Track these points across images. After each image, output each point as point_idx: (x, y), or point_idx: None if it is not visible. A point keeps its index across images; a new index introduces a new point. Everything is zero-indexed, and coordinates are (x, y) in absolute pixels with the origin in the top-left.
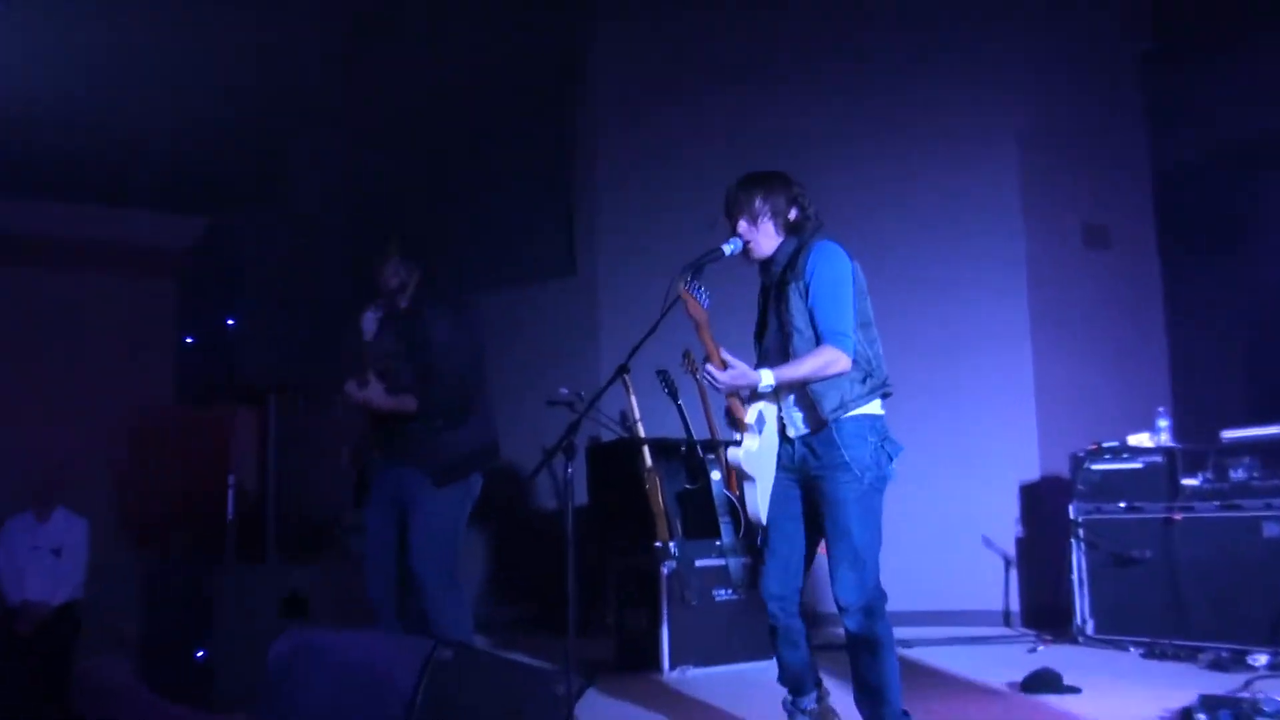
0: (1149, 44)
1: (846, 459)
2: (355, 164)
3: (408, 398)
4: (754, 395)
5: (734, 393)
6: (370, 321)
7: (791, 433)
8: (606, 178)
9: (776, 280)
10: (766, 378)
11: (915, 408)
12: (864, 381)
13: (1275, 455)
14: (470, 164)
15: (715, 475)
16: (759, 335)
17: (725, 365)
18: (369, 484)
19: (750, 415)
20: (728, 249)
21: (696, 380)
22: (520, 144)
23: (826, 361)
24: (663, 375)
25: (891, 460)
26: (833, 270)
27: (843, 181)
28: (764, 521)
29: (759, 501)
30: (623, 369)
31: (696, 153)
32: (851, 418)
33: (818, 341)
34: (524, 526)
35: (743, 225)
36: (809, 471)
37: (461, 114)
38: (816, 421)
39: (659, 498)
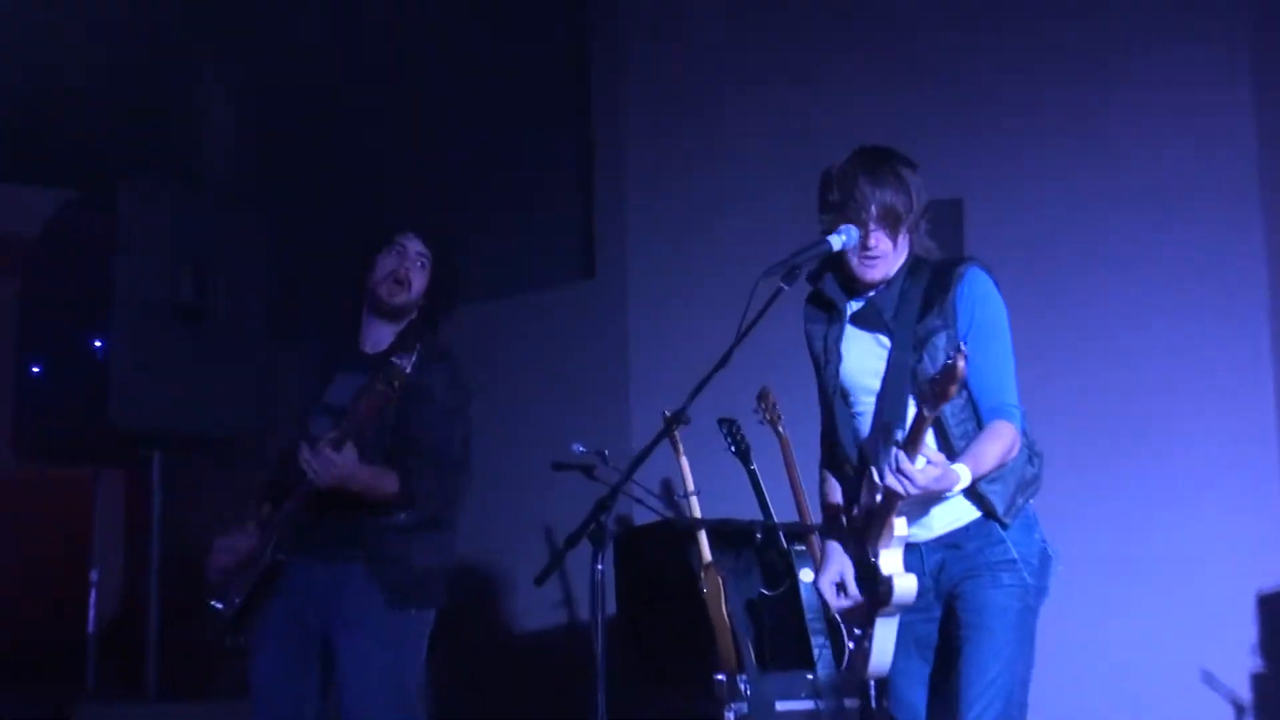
0: None
1: (1014, 555)
2: (301, 120)
3: (388, 474)
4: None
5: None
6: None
7: (922, 534)
8: (638, 165)
9: (884, 315)
10: (965, 475)
11: (1088, 485)
12: (1031, 462)
13: None
14: (465, 144)
15: (805, 575)
16: (833, 396)
17: (915, 455)
18: (272, 592)
19: (901, 527)
20: (838, 242)
21: (777, 433)
22: (527, 124)
23: (1009, 444)
24: (729, 427)
25: (1052, 567)
26: (997, 314)
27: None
28: (886, 672)
29: (888, 646)
30: (677, 418)
31: (747, 143)
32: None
33: (977, 417)
34: (518, 660)
35: (876, 231)
36: (947, 581)
37: (458, 86)
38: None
39: (722, 608)
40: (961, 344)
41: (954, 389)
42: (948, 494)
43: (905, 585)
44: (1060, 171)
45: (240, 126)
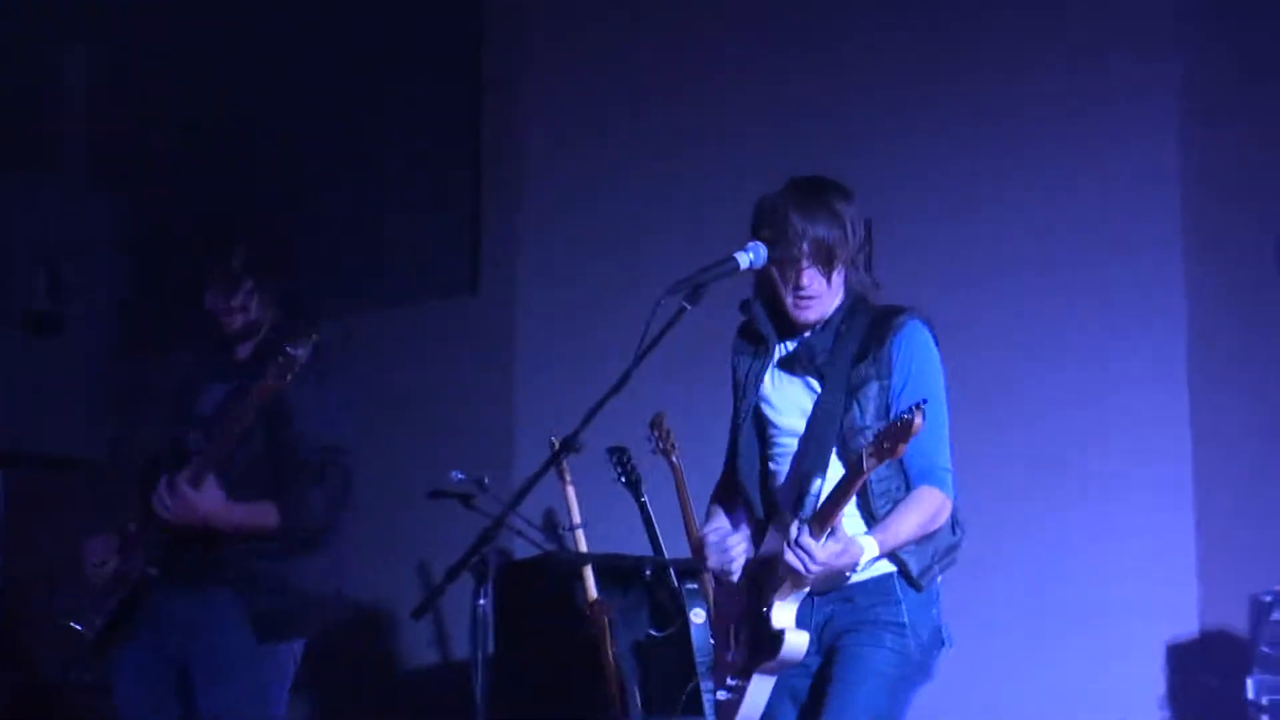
0: None
1: (904, 619)
2: (164, 101)
3: (263, 509)
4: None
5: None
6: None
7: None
8: (531, 174)
9: (818, 360)
10: (871, 549)
11: (995, 535)
12: (953, 530)
13: None
14: (346, 140)
15: (697, 615)
16: (741, 430)
17: (823, 532)
18: (131, 623)
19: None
20: (744, 260)
21: (671, 463)
22: (407, 117)
23: (932, 513)
24: (619, 455)
25: (943, 649)
26: (934, 371)
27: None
28: None
29: (761, 702)
30: (567, 445)
31: (644, 159)
32: None
33: (904, 478)
34: (390, 700)
35: (809, 269)
36: (831, 635)
37: (343, 84)
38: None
39: (608, 649)
40: (921, 402)
41: (903, 447)
42: (855, 571)
43: (796, 642)
44: (970, 194)
45: (99, 114)
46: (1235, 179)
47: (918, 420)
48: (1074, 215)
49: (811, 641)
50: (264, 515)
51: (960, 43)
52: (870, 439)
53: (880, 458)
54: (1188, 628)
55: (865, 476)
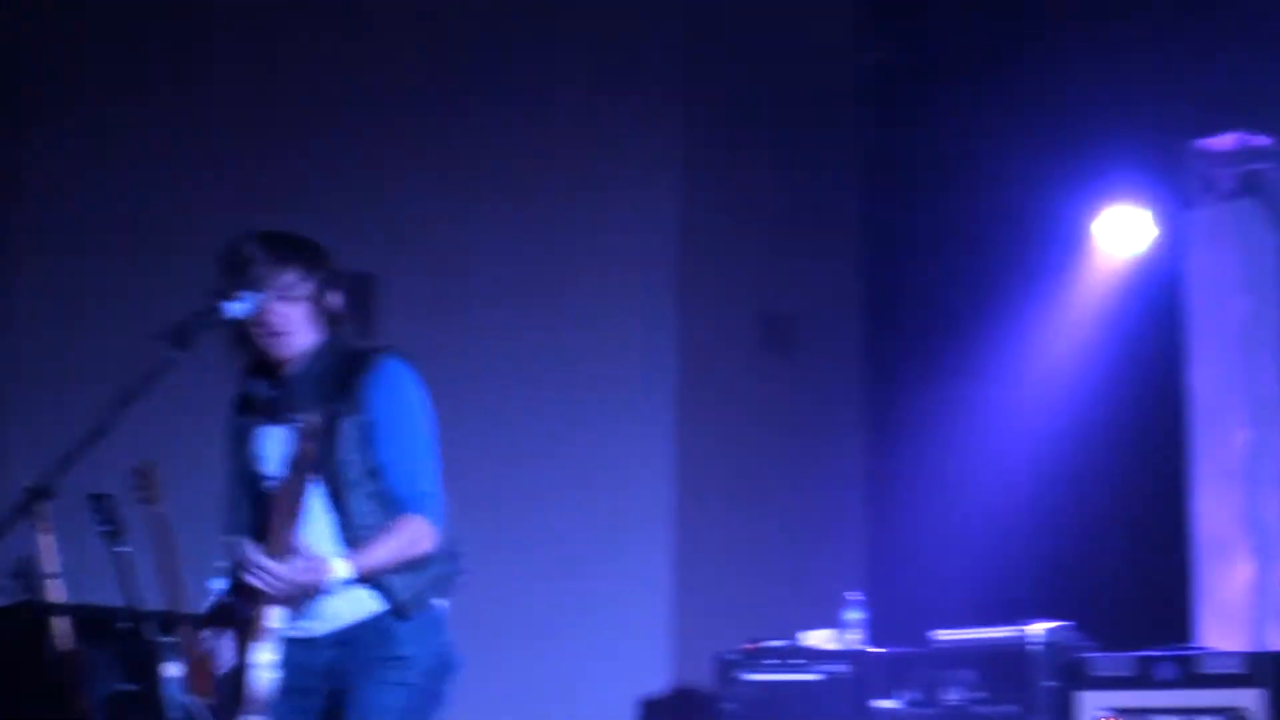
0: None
1: (403, 652)
2: None
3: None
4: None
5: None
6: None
7: (319, 627)
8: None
9: (295, 404)
10: (341, 568)
11: (473, 594)
12: (450, 559)
13: (1006, 667)
14: None
15: (171, 669)
16: (238, 492)
17: (282, 553)
18: None
19: (275, 620)
20: (239, 309)
21: (155, 513)
22: None
23: (412, 539)
24: (100, 503)
25: (451, 673)
26: (410, 404)
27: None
28: None
29: None
30: (38, 492)
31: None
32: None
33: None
34: None
35: (273, 305)
36: (337, 680)
37: None
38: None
39: (80, 701)
40: (318, 417)
41: (310, 450)
42: (328, 588)
43: (265, 682)
44: (468, 242)
45: None
46: (726, 251)
47: (308, 446)
48: (574, 287)
49: (315, 689)
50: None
51: (461, 87)
52: (353, 471)
53: (301, 481)
54: (659, 685)
55: (300, 498)
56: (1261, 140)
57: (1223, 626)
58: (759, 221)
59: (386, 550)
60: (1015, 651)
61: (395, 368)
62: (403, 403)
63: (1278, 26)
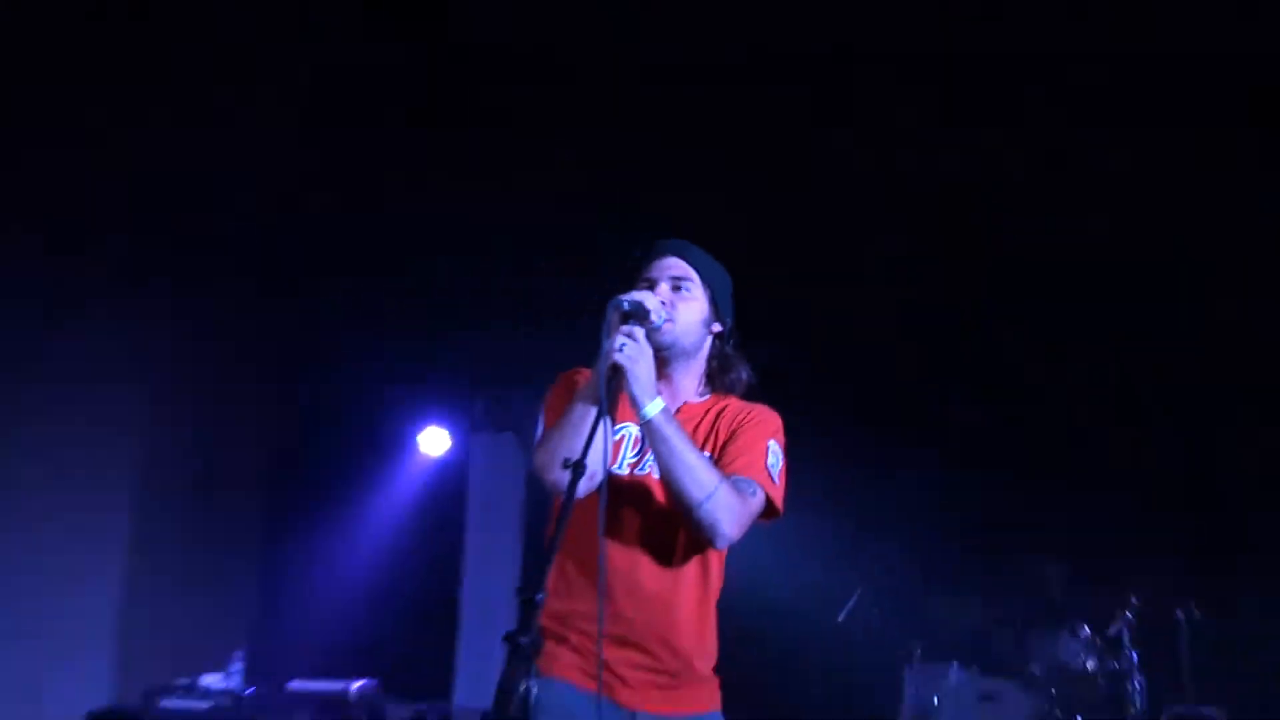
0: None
1: None
2: None
3: None
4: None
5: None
6: None
7: None
8: None
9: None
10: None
11: None
12: None
13: (332, 709)
14: None
15: None
16: None
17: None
18: None
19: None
20: (656, 317)
21: None
22: None
23: None
24: None
25: None
26: None
27: None
28: None
29: None
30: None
31: None
32: None
33: None
34: None
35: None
36: None
37: None
38: None
39: None
40: None
41: None
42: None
43: None
44: None
45: None
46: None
47: None
48: None
49: None
50: None
51: None
52: None
53: None
54: (102, 701)
55: None
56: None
57: (469, 691)
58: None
59: None
60: (339, 698)
61: None
62: None
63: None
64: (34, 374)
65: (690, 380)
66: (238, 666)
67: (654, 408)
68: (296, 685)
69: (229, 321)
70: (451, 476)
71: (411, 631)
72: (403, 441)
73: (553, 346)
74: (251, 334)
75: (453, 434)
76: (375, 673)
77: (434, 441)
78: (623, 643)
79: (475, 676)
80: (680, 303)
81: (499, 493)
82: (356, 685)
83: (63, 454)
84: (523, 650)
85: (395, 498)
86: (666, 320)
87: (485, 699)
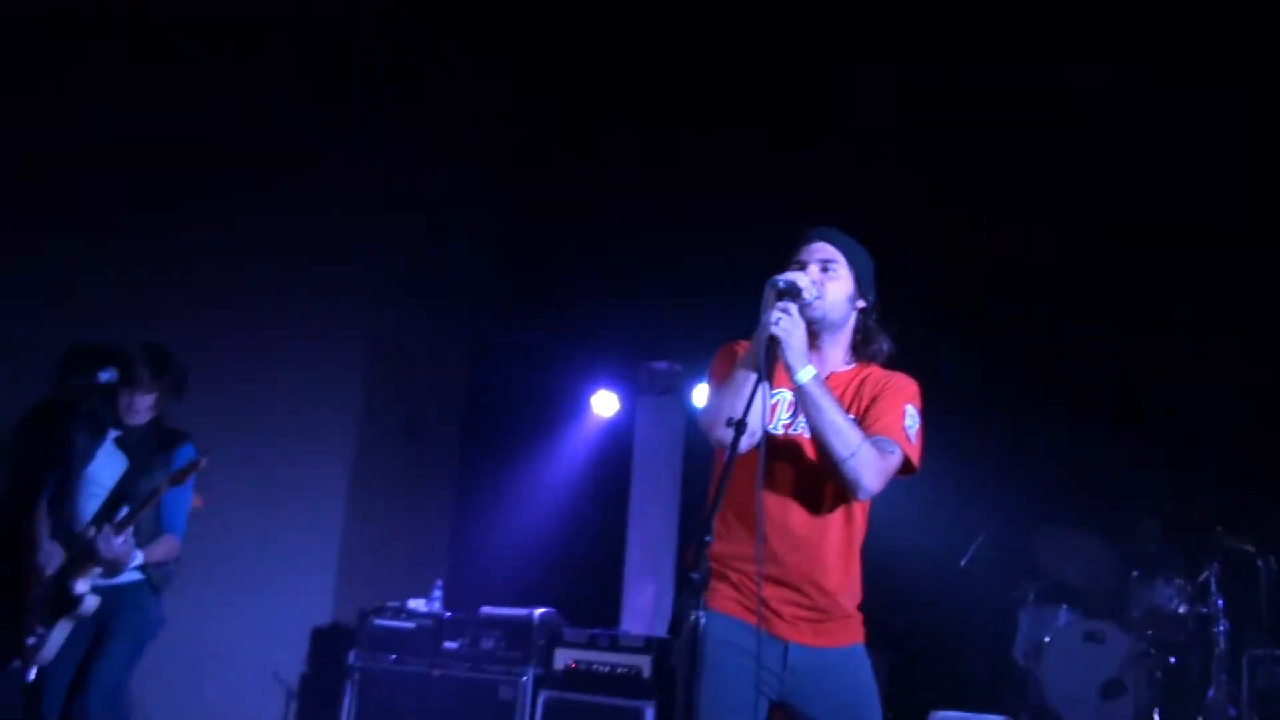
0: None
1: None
2: None
3: None
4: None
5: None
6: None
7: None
8: None
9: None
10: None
11: (225, 547)
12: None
13: (519, 632)
14: None
15: None
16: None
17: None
18: None
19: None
20: (807, 294)
21: None
22: None
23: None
24: None
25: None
26: None
27: None
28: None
29: (61, 642)
30: None
31: None
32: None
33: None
34: None
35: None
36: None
37: None
38: None
39: None
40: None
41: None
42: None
43: (93, 601)
44: None
45: None
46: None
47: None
48: None
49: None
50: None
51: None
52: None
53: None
54: (325, 618)
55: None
56: (676, 366)
57: (634, 620)
58: (410, 349)
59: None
60: (524, 622)
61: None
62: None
63: (695, 289)
64: (279, 329)
65: (837, 351)
66: (438, 593)
67: (806, 374)
68: (488, 610)
69: (434, 294)
70: (620, 434)
71: (585, 567)
72: (578, 403)
73: (713, 320)
74: (448, 312)
75: (622, 397)
76: (554, 602)
77: (605, 403)
78: (777, 582)
79: (637, 608)
80: (828, 282)
81: (661, 450)
82: (539, 612)
83: (296, 405)
84: (694, 584)
85: (571, 452)
86: (817, 298)
87: (645, 626)
